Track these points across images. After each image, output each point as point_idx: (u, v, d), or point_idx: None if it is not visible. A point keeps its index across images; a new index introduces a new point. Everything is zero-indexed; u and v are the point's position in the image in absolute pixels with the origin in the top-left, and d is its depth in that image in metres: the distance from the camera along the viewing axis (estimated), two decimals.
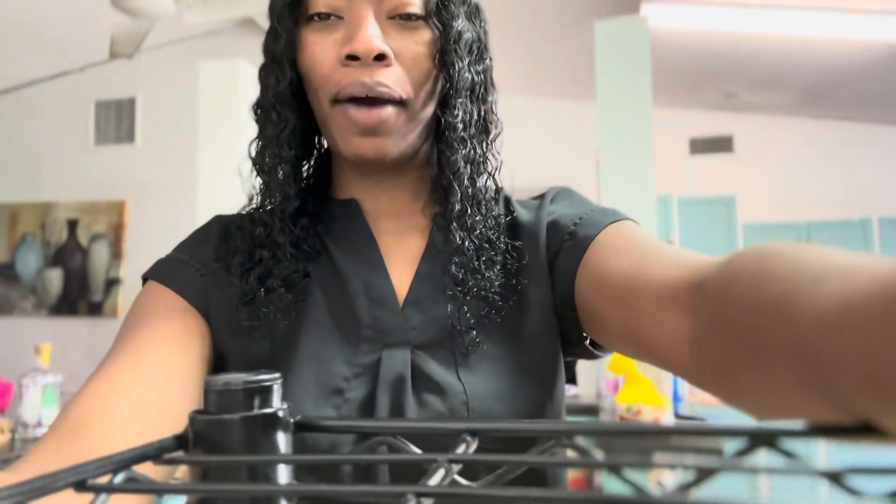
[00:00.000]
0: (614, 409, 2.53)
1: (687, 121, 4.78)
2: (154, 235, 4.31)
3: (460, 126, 0.59)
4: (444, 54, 0.57)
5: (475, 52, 0.61)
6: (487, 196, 0.63)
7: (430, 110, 0.59)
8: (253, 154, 0.62)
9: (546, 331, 0.59)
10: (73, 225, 4.59)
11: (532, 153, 4.67)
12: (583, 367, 3.36)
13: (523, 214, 0.64)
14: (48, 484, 0.19)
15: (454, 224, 0.58)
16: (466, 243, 0.58)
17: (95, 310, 4.47)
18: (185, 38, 4.06)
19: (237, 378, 0.26)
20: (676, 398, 3.20)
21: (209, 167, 3.39)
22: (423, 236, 0.62)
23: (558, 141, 4.71)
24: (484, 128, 0.62)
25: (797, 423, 0.19)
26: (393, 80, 0.55)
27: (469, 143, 0.60)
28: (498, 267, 0.59)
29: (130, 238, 4.46)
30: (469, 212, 0.59)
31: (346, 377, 0.55)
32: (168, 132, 4.42)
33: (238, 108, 3.36)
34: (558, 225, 0.61)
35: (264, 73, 0.61)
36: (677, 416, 2.85)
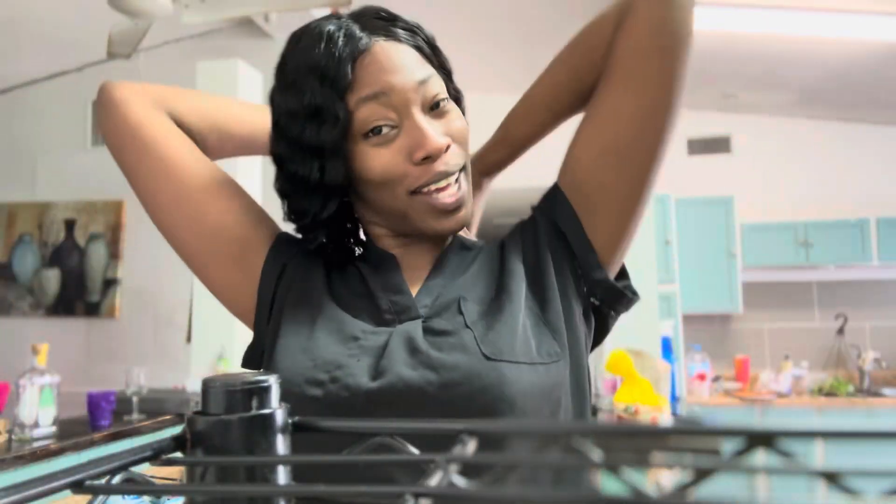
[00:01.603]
0: (612, 409, 2.53)
1: (685, 121, 4.76)
2: (152, 236, 4.27)
3: None
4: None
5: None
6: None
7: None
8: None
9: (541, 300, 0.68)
10: (70, 225, 4.58)
11: (529, 154, 4.67)
12: None
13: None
14: (47, 484, 0.19)
15: (473, 247, 0.73)
16: (478, 251, 0.73)
17: (93, 310, 4.46)
18: (182, 38, 4.06)
19: (236, 378, 0.26)
20: (674, 398, 3.21)
21: None
22: (438, 251, 0.72)
23: (556, 141, 4.70)
24: None
25: (795, 425, 0.19)
26: (454, 157, 0.66)
27: None
28: (498, 261, 0.71)
29: (128, 238, 4.45)
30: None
31: (365, 332, 0.64)
32: None
33: None
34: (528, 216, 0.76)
35: (308, 200, 0.68)
36: (675, 416, 2.85)
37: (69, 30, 3.87)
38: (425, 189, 0.64)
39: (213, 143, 0.77)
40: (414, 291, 0.69)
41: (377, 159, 0.64)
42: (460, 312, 0.63)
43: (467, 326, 0.62)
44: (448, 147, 0.65)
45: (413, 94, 0.64)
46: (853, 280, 4.47)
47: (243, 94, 3.39)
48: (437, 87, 0.66)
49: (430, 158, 0.63)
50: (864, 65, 3.78)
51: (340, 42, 0.63)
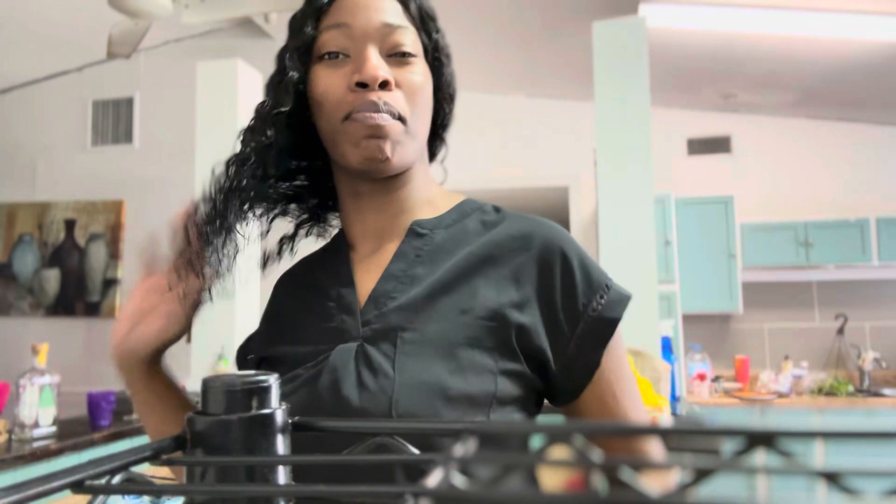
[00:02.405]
0: None
1: (685, 121, 4.78)
2: None
3: (443, 153, 0.78)
4: (437, 92, 0.72)
5: (453, 95, 0.76)
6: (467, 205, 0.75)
7: (424, 134, 0.71)
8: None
9: (500, 331, 0.64)
10: (70, 225, 4.58)
11: (530, 153, 4.67)
12: None
13: (515, 223, 0.71)
14: (47, 484, 0.19)
15: (429, 232, 0.71)
16: (434, 242, 0.70)
17: (93, 310, 4.46)
18: (182, 37, 4.05)
19: (235, 378, 0.26)
20: (674, 398, 3.20)
21: (207, 167, 3.37)
22: (398, 242, 0.71)
23: (556, 141, 4.71)
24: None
25: (795, 425, 0.19)
26: (395, 101, 0.66)
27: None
28: (460, 262, 0.68)
29: (128, 238, 4.45)
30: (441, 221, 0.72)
31: (307, 367, 0.66)
32: (166, 132, 4.41)
33: (236, 107, 3.36)
34: (574, 285, 0.66)
35: (266, 124, 0.68)
36: (675, 416, 2.85)
37: (69, 30, 3.87)
38: (354, 114, 0.65)
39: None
40: (368, 288, 0.69)
41: (323, 79, 0.67)
42: (395, 346, 0.63)
43: (393, 370, 0.61)
44: (387, 84, 0.65)
45: (374, 32, 0.67)
46: (853, 280, 4.47)
47: (243, 94, 3.39)
48: (405, 39, 0.68)
49: (366, 87, 0.64)
50: (864, 65, 3.78)
51: None
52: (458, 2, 3.64)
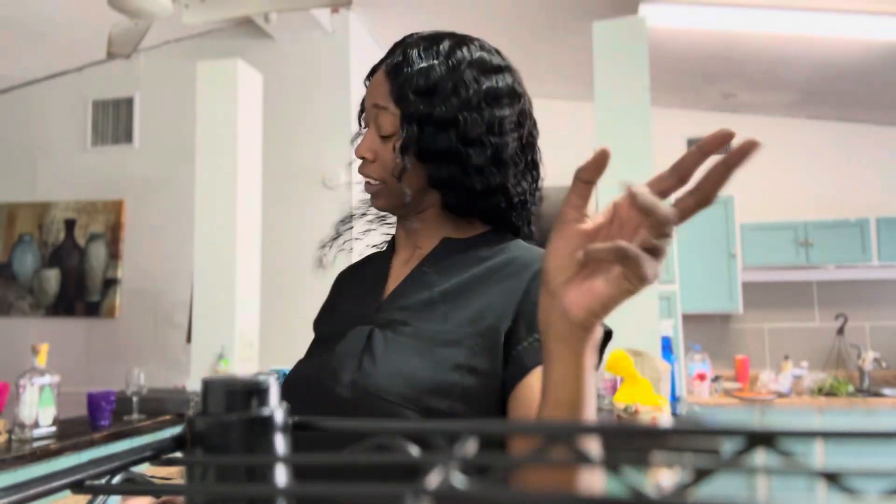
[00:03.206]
0: (612, 408, 2.53)
1: (685, 121, 4.78)
2: (152, 236, 4.30)
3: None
4: (426, 155, 0.82)
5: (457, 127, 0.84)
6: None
7: (407, 190, 0.83)
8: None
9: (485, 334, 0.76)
10: (70, 225, 4.58)
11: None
12: None
13: (515, 252, 0.85)
14: (46, 484, 0.19)
15: (447, 252, 0.86)
16: (450, 259, 0.85)
17: (93, 310, 4.45)
18: (182, 37, 4.06)
19: (235, 379, 0.26)
20: (674, 398, 3.20)
21: (207, 167, 3.38)
22: (426, 253, 0.87)
23: (556, 141, 4.69)
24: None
25: (795, 425, 0.19)
26: (374, 170, 0.85)
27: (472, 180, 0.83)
28: (468, 276, 0.82)
29: (128, 238, 4.45)
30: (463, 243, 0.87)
31: (333, 336, 0.84)
32: (166, 132, 4.41)
33: (236, 107, 3.35)
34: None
35: None
36: (675, 416, 2.85)
37: (69, 30, 3.87)
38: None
39: None
40: (398, 281, 0.86)
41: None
42: (395, 334, 0.78)
43: (371, 354, 0.77)
44: (365, 159, 0.85)
45: (371, 111, 0.86)
46: (853, 280, 4.47)
47: (243, 94, 3.39)
48: (383, 121, 0.83)
49: (360, 159, 0.86)
50: (864, 65, 3.78)
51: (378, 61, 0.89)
52: (458, 2, 3.64)
